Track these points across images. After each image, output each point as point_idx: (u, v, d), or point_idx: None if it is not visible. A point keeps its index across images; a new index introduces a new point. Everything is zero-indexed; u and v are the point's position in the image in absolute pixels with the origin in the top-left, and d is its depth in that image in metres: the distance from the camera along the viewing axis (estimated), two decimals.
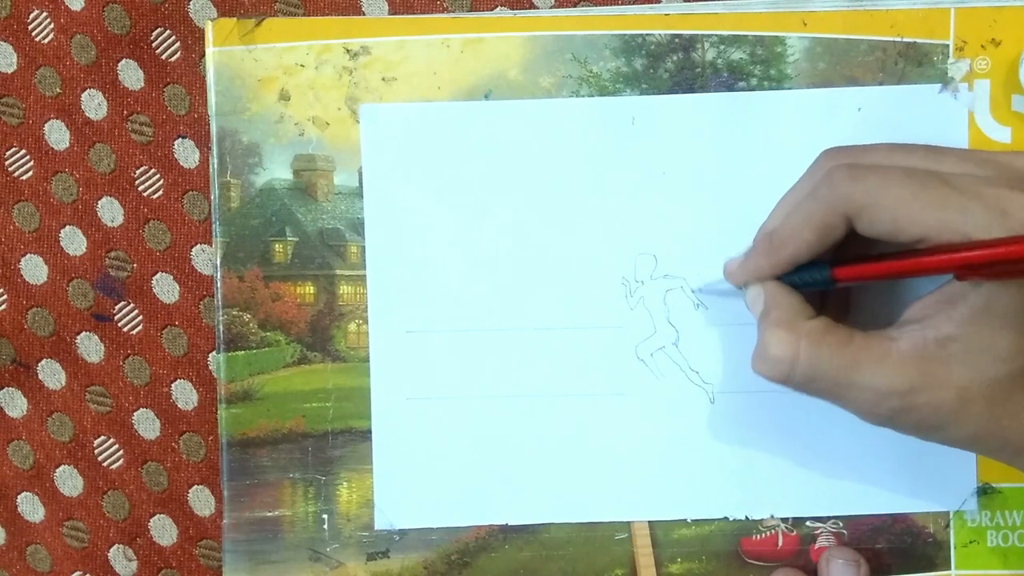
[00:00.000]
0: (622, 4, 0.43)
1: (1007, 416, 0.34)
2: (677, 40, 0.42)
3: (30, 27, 0.45)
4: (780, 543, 0.43)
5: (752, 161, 0.42)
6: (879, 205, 0.33)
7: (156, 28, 0.44)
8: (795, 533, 0.43)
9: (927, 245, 0.33)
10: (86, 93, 0.45)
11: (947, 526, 0.42)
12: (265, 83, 0.42)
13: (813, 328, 0.35)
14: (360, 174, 0.43)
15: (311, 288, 0.43)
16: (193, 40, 0.44)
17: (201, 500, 0.46)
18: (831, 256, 0.37)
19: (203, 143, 0.44)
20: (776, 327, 0.36)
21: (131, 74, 0.44)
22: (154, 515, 0.46)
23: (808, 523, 0.43)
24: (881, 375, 0.34)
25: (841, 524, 0.43)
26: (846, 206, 0.34)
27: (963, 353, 0.34)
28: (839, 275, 0.36)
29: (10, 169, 0.45)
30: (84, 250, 0.45)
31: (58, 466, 0.46)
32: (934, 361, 0.34)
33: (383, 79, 0.42)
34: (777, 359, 0.35)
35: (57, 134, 0.45)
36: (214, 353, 0.45)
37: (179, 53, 0.44)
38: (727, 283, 0.40)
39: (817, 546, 0.43)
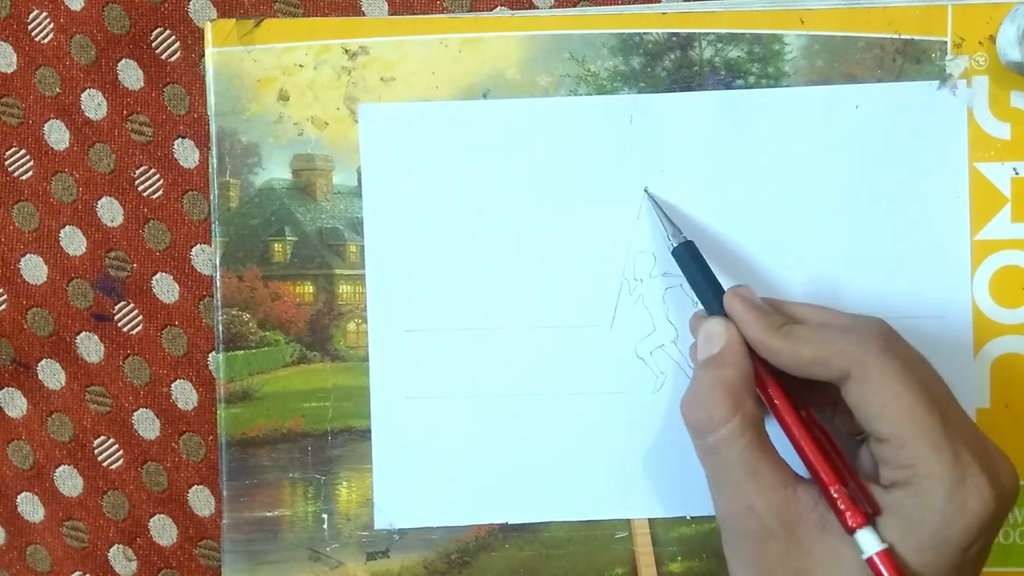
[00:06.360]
0: (620, 3, 0.43)
1: None
2: (675, 38, 0.42)
3: (30, 27, 0.45)
4: None
5: (750, 159, 0.42)
6: (881, 408, 0.33)
7: (156, 28, 0.44)
8: None
9: (876, 445, 0.34)
10: (86, 93, 0.45)
11: None
12: (264, 83, 0.43)
13: (749, 413, 0.35)
14: (359, 173, 0.43)
15: (310, 287, 0.43)
16: (193, 40, 0.44)
17: (201, 500, 0.46)
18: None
19: (203, 143, 0.45)
20: (725, 391, 0.35)
21: (131, 74, 0.45)
22: (154, 515, 0.46)
23: None
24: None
25: None
26: (851, 375, 0.34)
27: None
28: (759, 381, 0.36)
29: (10, 169, 0.45)
30: (84, 250, 0.45)
31: (58, 466, 0.46)
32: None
33: (381, 79, 0.42)
34: (708, 417, 0.35)
35: (57, 134, 0.45)
36: (214, 353, 0.45)
37: (179, 53, 0.44)
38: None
39: None
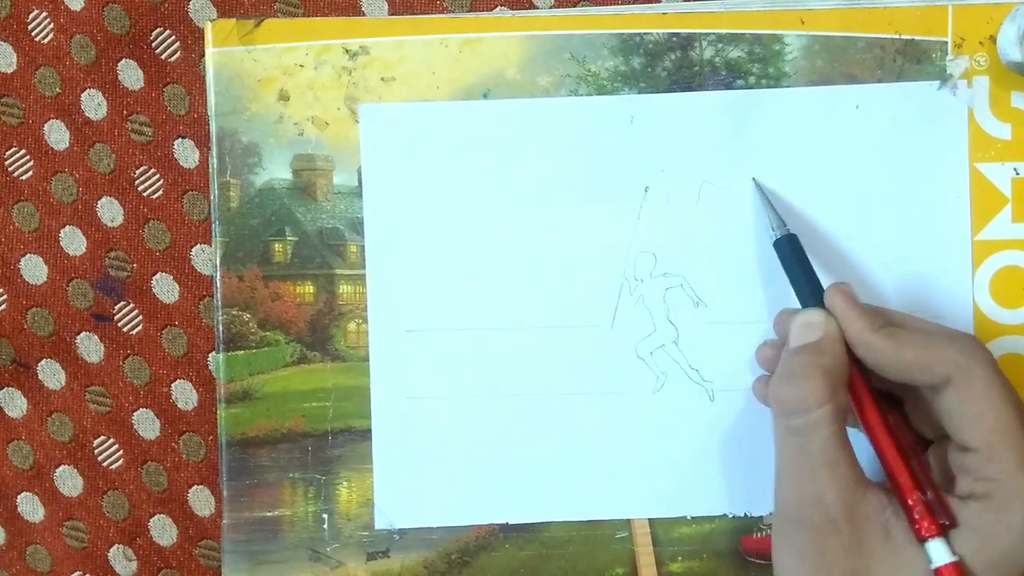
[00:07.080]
0: (620, 3, 0.43)
1: None
2: (675, 39, 0.42)
3: (30, 27, 0.45)
4: None
5: (750, 159, 0.42)
6: (977, 417, 0.34)
7: (156, 28, 0.44)
8: None
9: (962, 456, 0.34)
10: (86, 93, 0.45)
11: None
12: (264, 83, 0.43)
13: (841, 404, 0.35)
14: (359, 174, 0.43)
15: (311, 287, 0.43)
16: (193, 40, 0.44)
17: (201, 500, 0.46)
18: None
19: (203, 143, 0.45)
20: (824, 375, 0.35)
21: (131, 74, 0.45)
22: (154, 515, 0.46)
23: None
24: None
25: None
26: (952, 382, 0.34)
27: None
28: (852, 385, 0.36)
29: (10, 169, 0.45)
30: (84, 250, 0.45)
31: (58, 466, 0.46)
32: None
33: (382, 79, 0.42)
34: (802, 398, 0.35)
35: (57, 134, 0.45)
36: (214, 353, 0.45)
37: (179, 53, 0.44)
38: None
39: None
